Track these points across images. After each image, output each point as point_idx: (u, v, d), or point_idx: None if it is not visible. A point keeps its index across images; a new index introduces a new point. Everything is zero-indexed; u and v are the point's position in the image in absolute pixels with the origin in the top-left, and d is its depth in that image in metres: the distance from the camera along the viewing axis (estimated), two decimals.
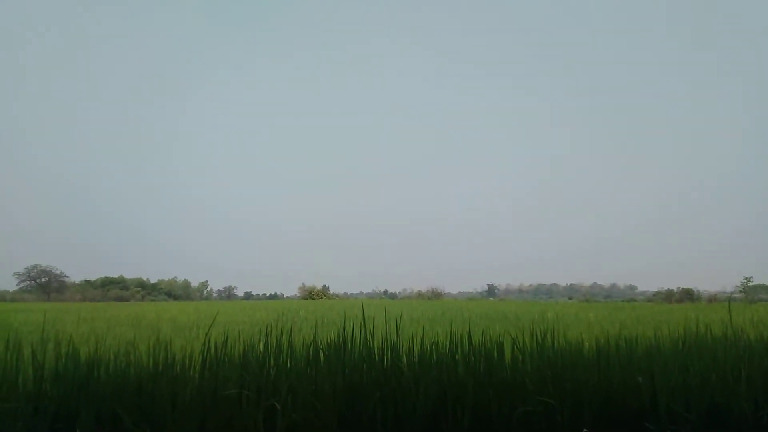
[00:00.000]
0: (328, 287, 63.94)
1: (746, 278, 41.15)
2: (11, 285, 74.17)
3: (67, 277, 77.13)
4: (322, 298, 54.67)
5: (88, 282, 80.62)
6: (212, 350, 3.51)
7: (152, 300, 67.67)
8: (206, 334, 3.61)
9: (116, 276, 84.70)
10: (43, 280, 74.91)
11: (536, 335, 3.97)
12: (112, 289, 78.33)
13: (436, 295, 58.03)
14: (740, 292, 39.45)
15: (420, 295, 60.79)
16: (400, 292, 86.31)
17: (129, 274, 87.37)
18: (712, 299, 42.43)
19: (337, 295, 62.64)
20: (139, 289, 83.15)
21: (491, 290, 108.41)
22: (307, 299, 52.13)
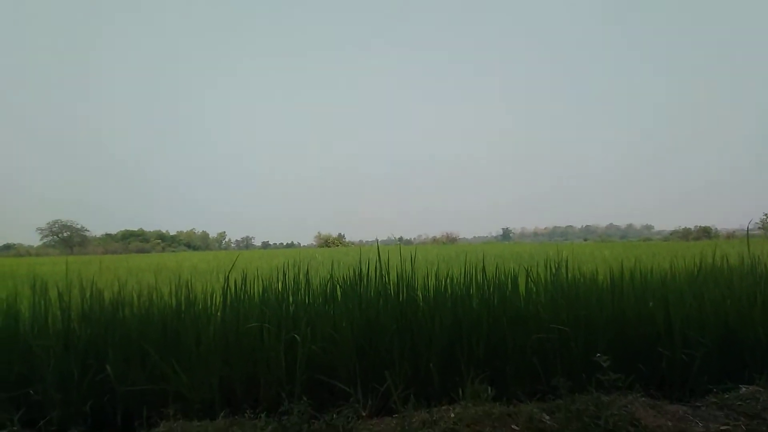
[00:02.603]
0: (344, 235, 64.64)
1: (766, 214, 40.72)
2: (35, 240, 76.39)
3: (88, 231, 79.02)
4: (338, 245, 55.32)
5: (109, 235, 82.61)
6: (233, 289, 3.60)
7: (172, 251, 69.13)
8: (226, 277, 3.68)
9: (136, 229, 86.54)
10: (64, 234, 76.80)
11: (550, 267, 3.98)
12: (133, 241, 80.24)
13: (450, 240, 58.43)
14: (759, 227, 39.15)
15: (435, 241, 61.21)
16: (415, 239, 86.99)
17: (148, 227, 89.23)
18: (730, 236, 42.07)
19: (352, 243, 63.35)
20: (159, 241, 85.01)
21: (506, 234, 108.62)
22: (323, 247, 52.81)
